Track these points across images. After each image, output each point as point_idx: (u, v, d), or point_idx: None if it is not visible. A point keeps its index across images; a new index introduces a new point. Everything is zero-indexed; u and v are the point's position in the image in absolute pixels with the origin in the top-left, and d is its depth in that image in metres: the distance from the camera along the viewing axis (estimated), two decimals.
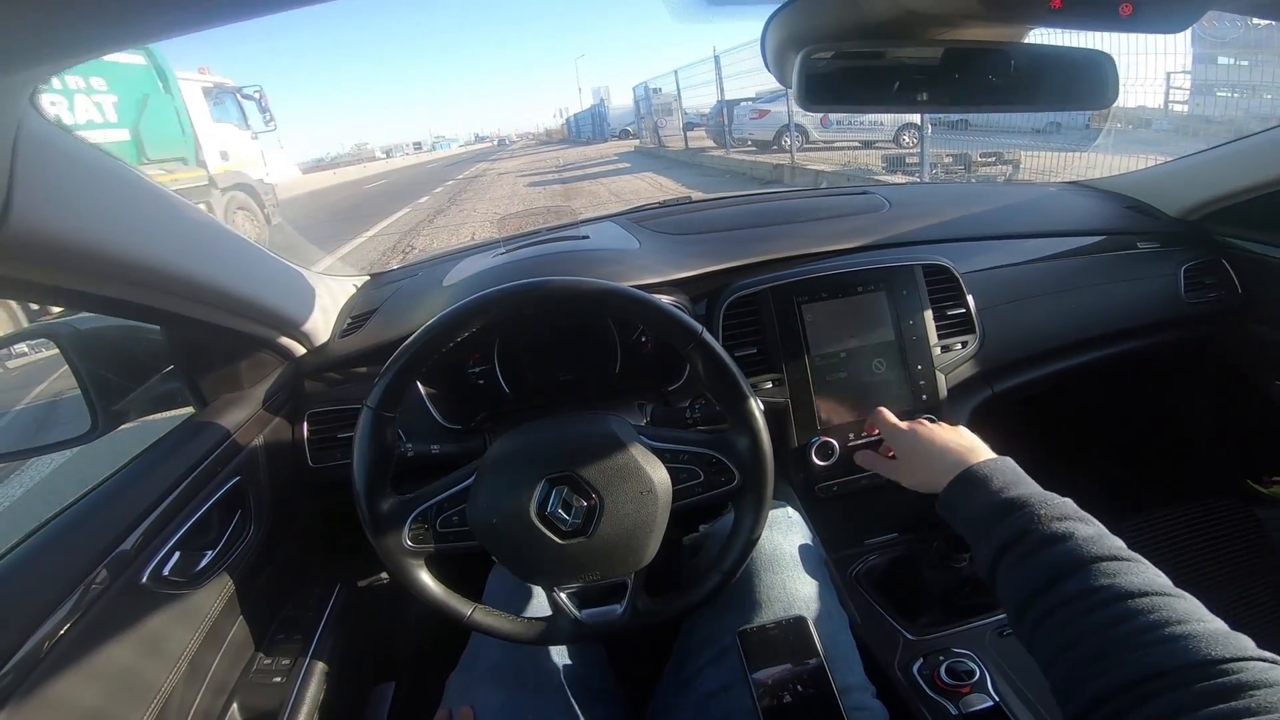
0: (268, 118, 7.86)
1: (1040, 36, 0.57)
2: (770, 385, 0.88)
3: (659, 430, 0.64)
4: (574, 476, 0.58)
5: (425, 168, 27.22)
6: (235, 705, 0.77)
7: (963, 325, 0.94)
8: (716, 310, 0.89)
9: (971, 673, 0.67)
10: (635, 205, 1.33)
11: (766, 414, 0.88)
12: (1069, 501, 0.52)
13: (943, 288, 0.94)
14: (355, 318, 0.99)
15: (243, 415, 0.83)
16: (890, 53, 0.56)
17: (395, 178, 21.98)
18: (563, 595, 0.63)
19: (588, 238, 1.05)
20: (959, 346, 0.93)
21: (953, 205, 1.18)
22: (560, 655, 0.71)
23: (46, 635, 0.54)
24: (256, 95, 7.72)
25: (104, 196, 0.54)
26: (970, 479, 0.59)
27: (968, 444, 0.65)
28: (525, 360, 0.93)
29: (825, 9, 0.54)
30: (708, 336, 0.60)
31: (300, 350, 0.92)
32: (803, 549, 0.77)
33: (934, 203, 1.21)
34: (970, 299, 0.94)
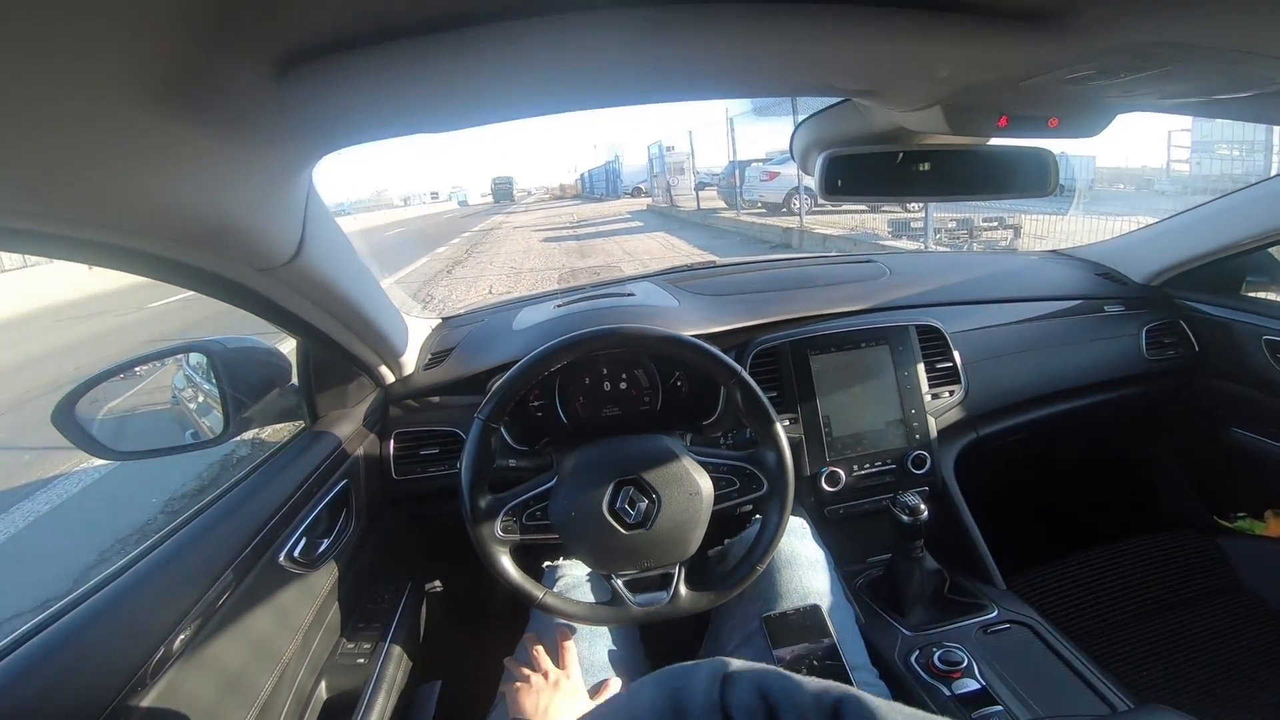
0: None
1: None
2: (787, 423, 1.05)
3: (704, 448, 0.80)
4: (639, 479, 0.73)
5: (442, 217, 28.15)
6: (324, 683, 0.88)
7: (950, 377, 1.11)
8: (744, 360, 1.07)
9: (960, 661, 0.80)
10: (668, 267, 1.52)
11: None
12: None
13: (933, 344, 1.11)
14: (435, 354, 1.17)
15: (348, 429, 0.99)
16: (888, 154, 0.75)
17: (412, 226, 22.75)
18: (620, 582, 0.77)
19: (633, 294, 1.24)
20: (947, 394, 1.11)
21: (945, 273, 1.37)
22: (604, 642, 0.85)
23: (209, 601, 0.65)
24: None
25: (333, 239, 0.74)
26: None
27: None
28: (579, 397, 1.10)
29: (841, 122, 0.74)
30: (746, 375, 0.78)
31: (391, 378, 1.09)
32: (816, 553, 0.91)
33: (929, 270, 1.40)
34: (957, 355, 1.12)
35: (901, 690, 0.80)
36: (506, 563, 0.76)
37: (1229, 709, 0.98)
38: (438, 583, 1.18)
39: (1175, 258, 1.25)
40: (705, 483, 0.75)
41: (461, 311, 1.40)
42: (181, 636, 0.62)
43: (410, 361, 1.13)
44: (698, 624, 0.90)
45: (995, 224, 6.64)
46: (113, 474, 3.16)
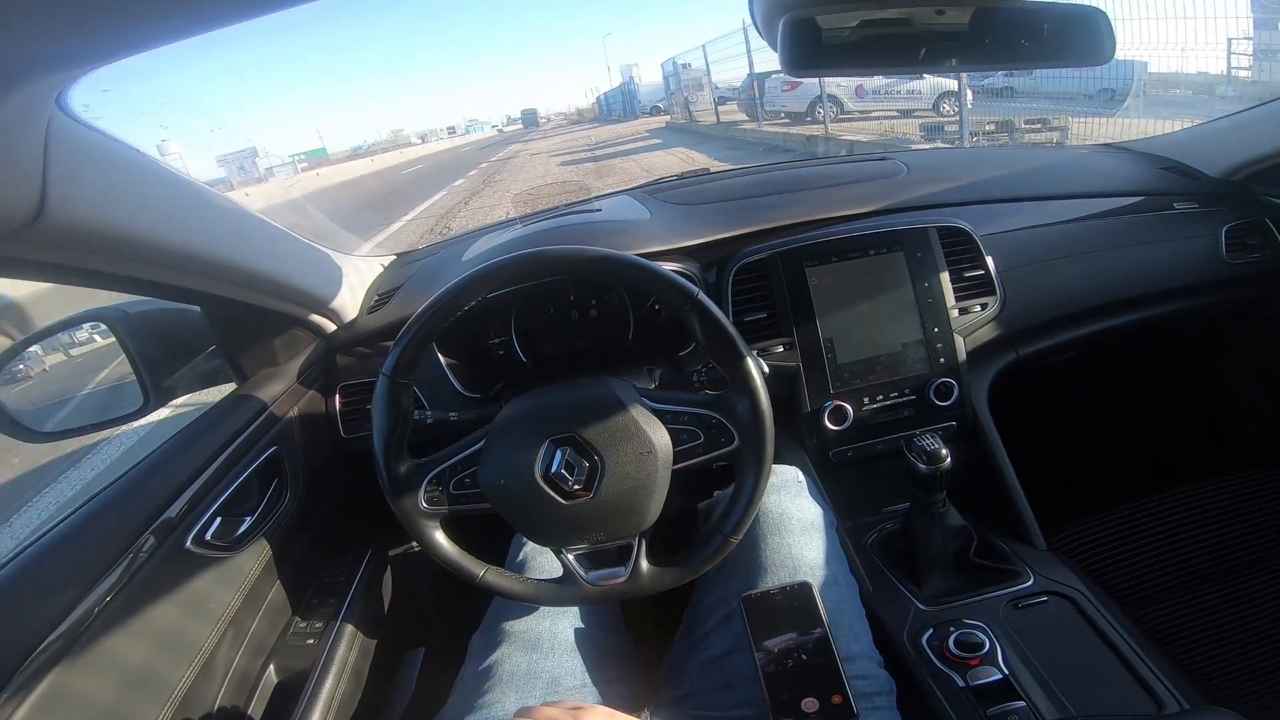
0: None
1: None
2: (781, 350, 0.89)
3: (662, 393, 0.66)
4: (576, 438, 0.60)
5: (459, 151, 27.46)
6: (272, 666, 0.81)
7: (982, 287, 0.93)
8: (725, 277, 0.90)
9: (981, 645, 0.67)
10: (654, 179, 1.33)
11: (778, 378, 0.89)
12: None
13: (961, 249, 0.92)
14: (381, 295, 1.03)
15: (279, 389, 0.88)
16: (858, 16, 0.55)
17: (430, 162, 22.27)
18: (570, 557, 0.65)
19: (600, 211, 1.07)
20: (978, 308, 0.92)
21: (975, 169, 1.15)
22: (577, 618, 0.74)
23: (98, 599, 0.58)
24: None
25: (134, 187, 0.59)
26: None
27: None
28: (543, 331, 0.96)
29: None
30: (704, 298, 0.61)
31: (331, 327, 0.97)
32: (811, 513, 0.77)
33: (955, 167, 1.18)
34: (990, 260, 0.93)
35: (908, 680, 0.68)
36: (438, 538, 0.65)
37: None
38: (414, 543, 1.11)
39: (1260, 150, 1.04)
40: (660, 437, 0.61)
41: (420, 246, 1.26)
42: (58, 640, 0.54)
43: (353, 305, 1.01)
44: (685, 592, 0.79)
45: (1039, 125, 6.03)
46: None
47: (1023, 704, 0.61)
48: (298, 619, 0.87)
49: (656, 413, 0.63)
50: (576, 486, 0.60)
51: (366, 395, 0.95)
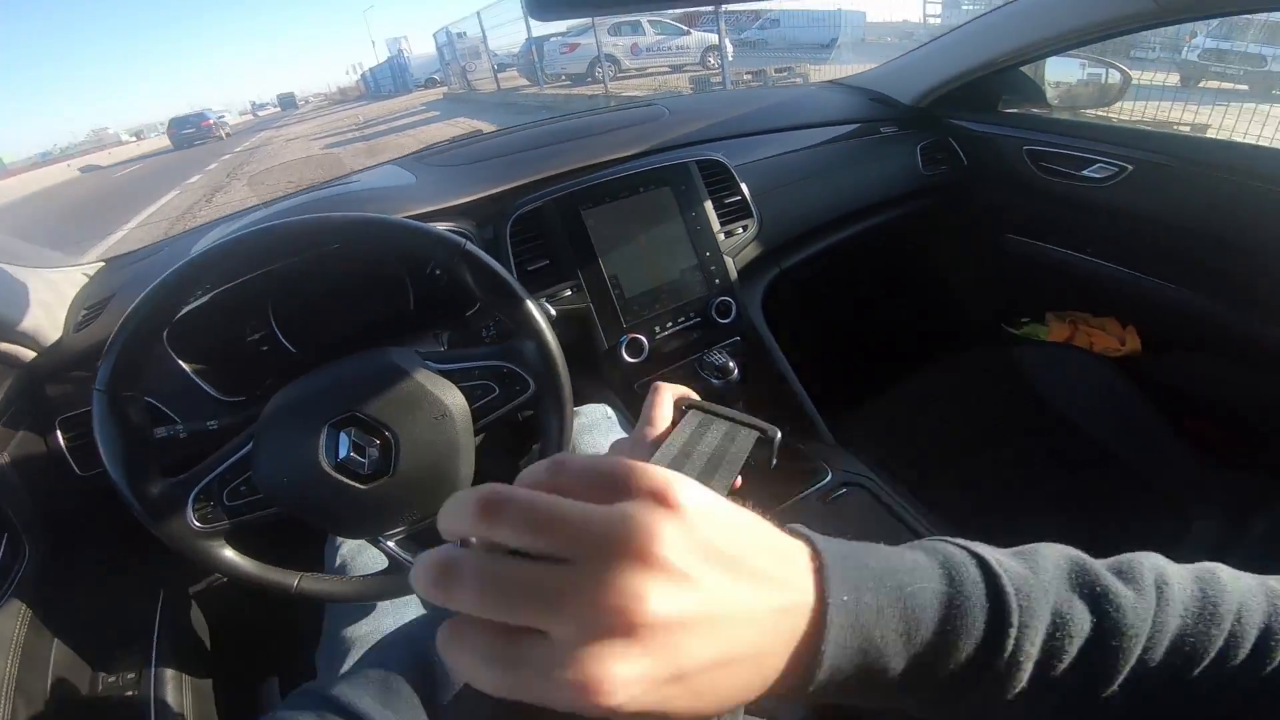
0: None
1: None
2: (570, 293, 0.90)
3: (447, 352, 0.63)
4: (358, 415, 0.55)
5: (193, 143, 23.02)
6: None
7: (740, 211, 1.02)
8: (503, 231, 0.88)
9: None
10: (423, 147, 1.25)
11: (572, 320, 0.91)
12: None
13: (719, 179, 1.01)
14: (90, 307, 0.84)
15: None
16: None
17: (156, 160, 18.37)
18: (391, 544, 0.61)
19: (357, 183, 0.98)
20: (740, 230, 1.02)
21: (726, 108, 1.26)
22: (426, 605, 0.68)
23: None
24: None
25: None
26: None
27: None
28: (312, 316, 0.87)
29: None
30: (472, 247, 0.59)
31: (28, 354, 0.78)
32: None
33: (710, 107, 1.28)
34: (744, 187, 1.03)
35: None
36: (228, 556, 0.57)
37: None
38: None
39: (936, 79, 1.27)
40: (453, 398, 0.59)
41: (137, 248, 1.04)
42: None
43: (52, 325, 0.81)
44: None
45: (786, 72, 7.33)
46: None
47: None
48: (103, 674, 0.75)
49: (444, 374, 0.60)
50: (374, 468, 0.55)
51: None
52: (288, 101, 42.33)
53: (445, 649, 0.19)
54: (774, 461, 0.33)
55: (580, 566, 0.18)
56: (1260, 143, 2.25)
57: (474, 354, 0.62)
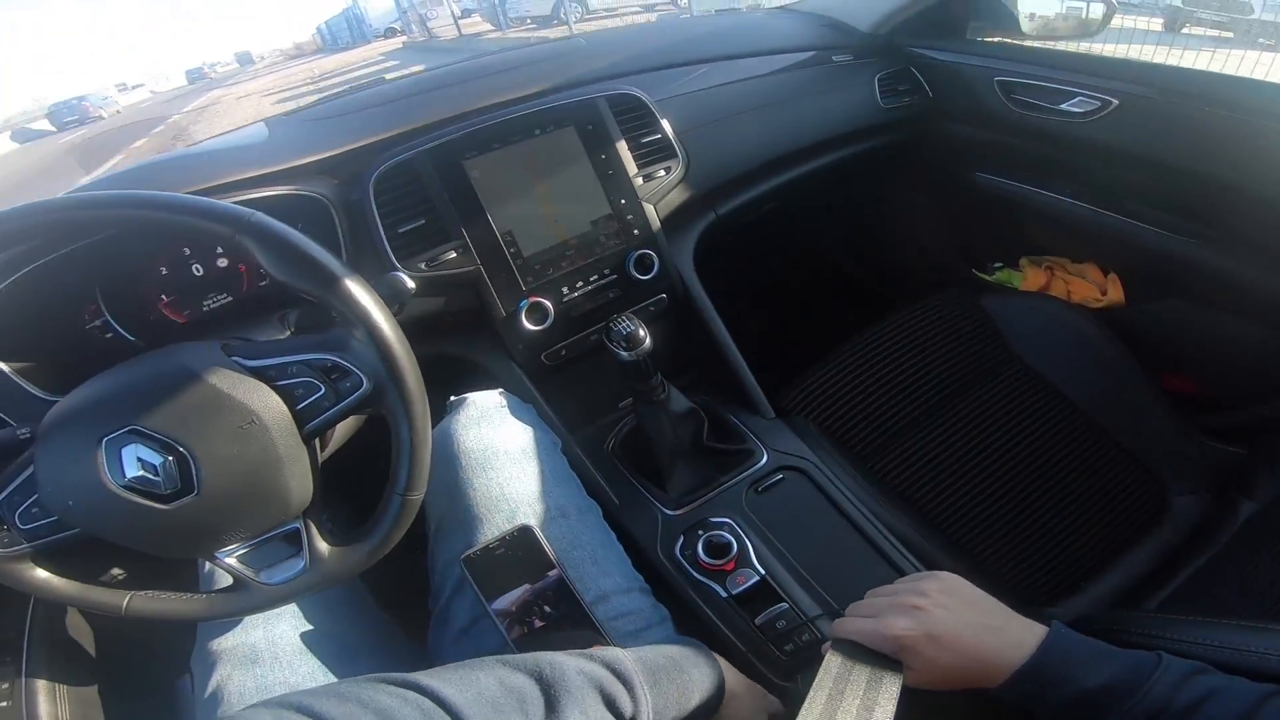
0: None
1: None
2: (454, 255, 0.76)
3: (261, 345, 0.52)
4: (138, 430, 0.46)
5: (140, 106, 21.84)
6: None
7: (662, 151, 0.88)
8: (365, 190, 0.74)
9: (729, 546, 0.65)
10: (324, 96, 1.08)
11: (460, 286, 0.78)
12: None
13: (634, 117, 0.86)
14: None
15: None
16: None
17: (96, 126, 17.40)
18: (231, 561, 0.53)
19: (198, 145, 0.82)
20: (662, 173, 0.87)
21: (654, 37, 1.09)
22: (300, 618, 0.61)
23: None
24: None
25: None
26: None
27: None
28: (156, 299, 0.73)
29: None
30: (260, 218, 0.47)
31: None
32: (521, 440, 0.69)
33: (637, 37, 1.10)
34: (666, 124, 0.88)
35: (676, 601, 0.64)
36: (41, 577, 0.51)
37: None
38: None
39: (896, 2, 1.13)
40: (265, 401, 0.48)
41: None
42: None
43: None
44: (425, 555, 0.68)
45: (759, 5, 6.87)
46: None
47: (785, 605, 0.61)
48: None
49: (255, 372, 0.49)
50: (172, 488, 0.46)
51: None
52: (245, 59, 41.83)
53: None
54: None
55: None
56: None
57: (290, 345, 0.51)
